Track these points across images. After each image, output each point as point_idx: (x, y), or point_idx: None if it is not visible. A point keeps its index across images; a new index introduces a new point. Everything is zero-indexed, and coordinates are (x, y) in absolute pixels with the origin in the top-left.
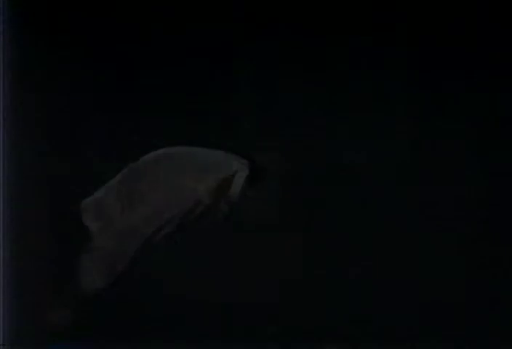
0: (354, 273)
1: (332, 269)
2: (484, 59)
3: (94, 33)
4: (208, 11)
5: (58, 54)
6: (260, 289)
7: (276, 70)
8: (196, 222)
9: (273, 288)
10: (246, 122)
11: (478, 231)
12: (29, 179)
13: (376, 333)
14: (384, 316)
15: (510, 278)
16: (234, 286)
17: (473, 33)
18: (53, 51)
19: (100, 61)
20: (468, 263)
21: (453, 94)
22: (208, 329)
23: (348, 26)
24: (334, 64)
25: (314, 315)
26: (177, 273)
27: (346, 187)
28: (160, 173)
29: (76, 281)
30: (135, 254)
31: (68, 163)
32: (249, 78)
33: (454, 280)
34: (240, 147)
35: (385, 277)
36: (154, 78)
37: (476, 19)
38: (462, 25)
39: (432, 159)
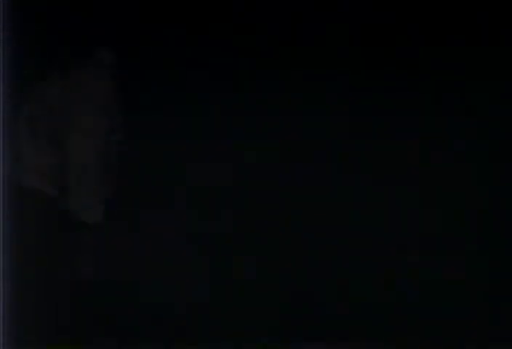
0: (354, 273)
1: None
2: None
3: (96, 32)
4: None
5: (59, 53)
6: (254, 291)
7: None
8: None
9: (267, 290)
10: None
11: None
12: (29, 178)
13: (376, 333)
14: (384, 316)
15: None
16: (229, 288)
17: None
18: (53, 51)
19: (101, 60)
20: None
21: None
22: (203, 329)
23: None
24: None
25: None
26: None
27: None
28: None
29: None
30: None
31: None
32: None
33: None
34: None
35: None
36: (155, 79)
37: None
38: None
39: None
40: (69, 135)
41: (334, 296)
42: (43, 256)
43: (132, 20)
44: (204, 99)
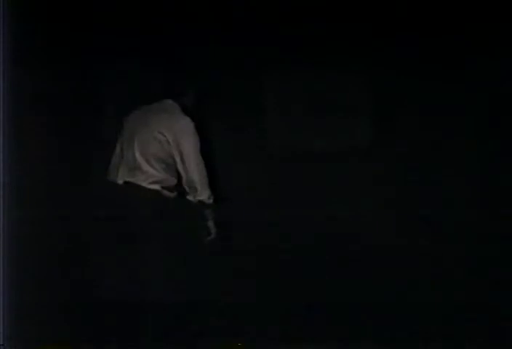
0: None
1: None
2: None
3: (95, 29)
4: None
5: (58, 51)
6: (253, 290)
7: None
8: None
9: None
10: None
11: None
12: (30, 178)
13: (375, 333)
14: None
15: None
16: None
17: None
18: (53, 48)
19: (100, 58)
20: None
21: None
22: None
23: None
24: None
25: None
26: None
27: None
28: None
29: None
30: None
31: (69, 163)
32: None
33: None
34: None
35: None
36: (156, 72)
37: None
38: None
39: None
40: None
41: (334, 296)
42: None
43: (131, 21)
44: None
